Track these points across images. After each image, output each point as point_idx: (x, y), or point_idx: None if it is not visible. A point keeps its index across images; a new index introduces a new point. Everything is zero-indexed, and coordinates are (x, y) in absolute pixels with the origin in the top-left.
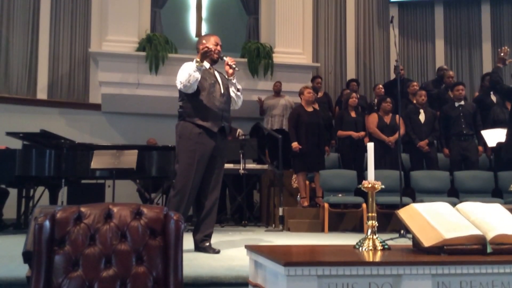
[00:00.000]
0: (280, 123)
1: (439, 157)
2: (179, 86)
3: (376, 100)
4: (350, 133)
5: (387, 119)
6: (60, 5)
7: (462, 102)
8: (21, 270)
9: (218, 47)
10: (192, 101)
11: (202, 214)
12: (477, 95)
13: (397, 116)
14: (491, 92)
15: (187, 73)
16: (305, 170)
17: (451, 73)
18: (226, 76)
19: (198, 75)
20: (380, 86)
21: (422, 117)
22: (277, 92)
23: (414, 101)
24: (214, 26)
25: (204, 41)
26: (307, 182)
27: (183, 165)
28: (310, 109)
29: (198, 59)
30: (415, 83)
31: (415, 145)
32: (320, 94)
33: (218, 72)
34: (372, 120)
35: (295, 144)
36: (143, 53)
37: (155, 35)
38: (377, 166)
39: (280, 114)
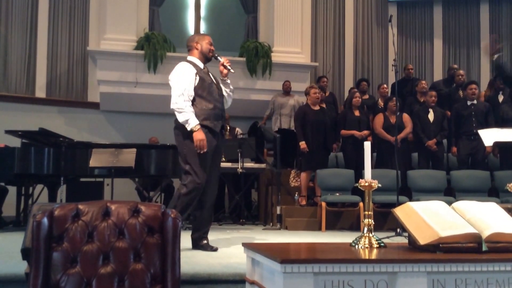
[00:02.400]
0: (288, 123)
1: (448, 156)
2: (173, 106)
3: (380, 100)
4: (353, 132)
5: (393, 118)
6: (59, 4)
7: (475, 101)
8: (20, 266)
9: (212, 47)
10: (194, 101)
11: (200, 211)
12: (483, 94)
13: (404, 114)
14: (500, 92)
15: (187, 116)
16: (311, 169)
17: (461, 72)
18: (221, 76)
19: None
20: (385, 86)
21: (431, 116)
22: (287, 91)
23: (422, 100)
24: (212, 25)
25: (197, 40)
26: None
27: (196, 166)
28: (316, 107)
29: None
30: (423, 82)
31: (423, 144)
32: (326, 94)
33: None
34: (378, 121)
35: (303, 145)
36: (142, 52)
37: (154, 33)
38: (385, 166)
39: (288, 114)
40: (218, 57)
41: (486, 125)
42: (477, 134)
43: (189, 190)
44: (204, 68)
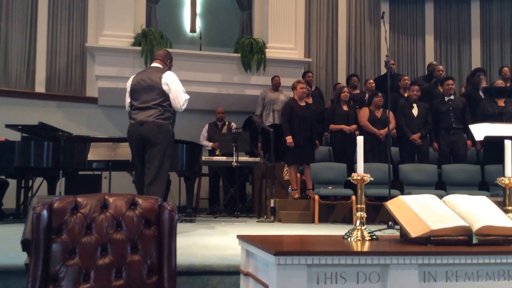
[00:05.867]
0: (280, 118)
1: (430, 151)
2: (183, 108)
3: (367, 95)
4: (342, 126)
5: (378, 113)
6: (58, 0)
7: (452, 97)
8: (20, 258)
9: None
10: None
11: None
12: (463, 91)
13: (388, 110)
14: (480, 88)
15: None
16: (297, 163)
17: (440, 67)
18: None
19: None
20: (371, 81)
21: (415, 111)
22: (276, 87)
23: (406, 95)
24: (208, 21)
25: (170, 59)
26: (298, 175)
27: (169, 164)
28: (303, 103)
29: None
30: (406, 77)
31: (407, 139)
32: (312, 88)
33: None
34: (364, 114)
35: (289, 139)
36: (139, 48)
37: (151, 30)
38: (368, 159)
39: (280, 109)
40: None
41: (464, 120)
42: (456, 129)
43: (164, 183)
44: None
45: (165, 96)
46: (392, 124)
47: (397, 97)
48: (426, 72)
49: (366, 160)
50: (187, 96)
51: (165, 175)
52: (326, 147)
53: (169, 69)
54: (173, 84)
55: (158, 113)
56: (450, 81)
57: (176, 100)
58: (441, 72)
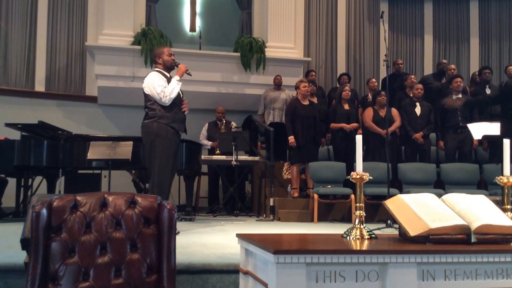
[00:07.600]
0: (280, 117)
1: (431, 150)
2: (165, 99)
3: (370, 94)
4: (342, 125)
5: (383, 112)
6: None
7: (460, 95)
8: (20, 256)
9: (173, 57)
10: (165, 105)
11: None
12: (472, 89)
13: (392, 109)
14: (487, 86)
15: (174, 89)
16: (300, 162)
17: (452, 66)
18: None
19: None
20: (373, 80)
21: (418, 110)
22: (278, 85)
23: (411, 94)
24: (208, 20)
25: (158, 54)
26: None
27: (163, 161)
28: (306, 102)
29: (179, 77)
30: (412, 76)
31: (410, 138)
32: (316, 87)
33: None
34: (368, 114)
35: (291, 139)
36: (138, 47)
37: (150, 29)
38: (373, 158)
39: (280, 107)
40: (179, 64)
41: (471, 119)
42: (463, 128)
43: (156, 184)
44: (170, 77)
45: (148, 96)
46: (398, 122)
47: (402, 96)
48: (435, 70)
49: (371, 159)
50: (161, 89)
51: (160, 171)
52: (325, 146)
53: (164, 62)
54: (147, 84)
55: (145, 115)
56: (459, 79)
57: (154, 97)
58: (453, 71)
